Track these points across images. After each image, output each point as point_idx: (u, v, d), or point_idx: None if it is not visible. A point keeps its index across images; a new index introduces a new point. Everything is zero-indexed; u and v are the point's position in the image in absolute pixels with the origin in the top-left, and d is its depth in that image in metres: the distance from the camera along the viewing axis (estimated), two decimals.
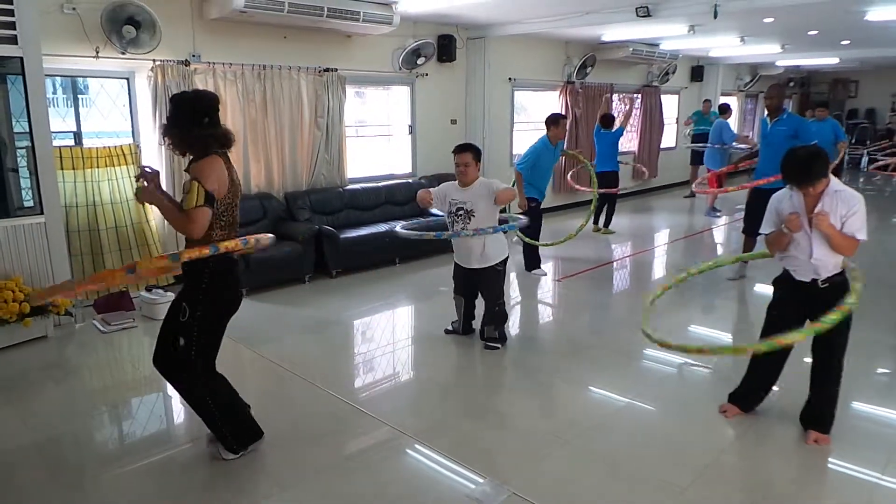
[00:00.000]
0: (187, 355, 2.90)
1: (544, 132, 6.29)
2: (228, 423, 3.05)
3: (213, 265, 2.85)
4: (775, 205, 3.19)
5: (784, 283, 3.25)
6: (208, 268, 2.84)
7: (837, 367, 3.18)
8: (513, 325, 5.03)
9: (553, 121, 6.21)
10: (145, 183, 2.90)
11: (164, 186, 3.50)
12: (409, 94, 8.08)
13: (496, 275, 4.44)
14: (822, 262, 3.04)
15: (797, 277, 3.15)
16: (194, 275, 2.86)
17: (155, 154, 5.71)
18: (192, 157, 2.87)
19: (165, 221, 3.10)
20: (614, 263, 7.34)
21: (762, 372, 3.44)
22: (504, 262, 4.48)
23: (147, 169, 2.95)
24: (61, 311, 4.73)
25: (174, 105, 2.88)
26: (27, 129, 4.59)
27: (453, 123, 8.65)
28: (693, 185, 8.91)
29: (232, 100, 6.13)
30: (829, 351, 3.17)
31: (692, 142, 11.21)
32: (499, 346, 4.51)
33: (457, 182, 4.46)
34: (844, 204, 2.96)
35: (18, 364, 4.33)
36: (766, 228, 3.23)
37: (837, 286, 3.08)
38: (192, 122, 2.82)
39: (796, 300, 3.19)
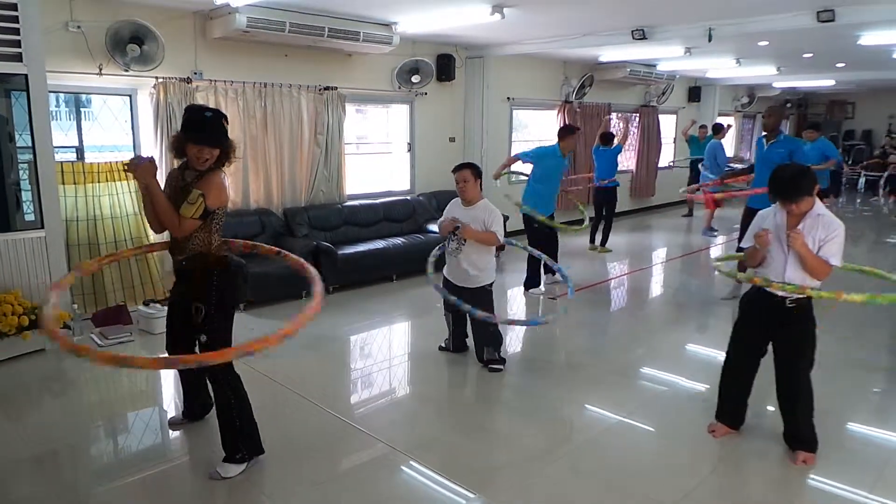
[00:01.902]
0: (211, 349, 3.05)
1: (555, 142, 6.44)
2: (244, 425, 3.13)
3: (219, 263, 3.07)
4: (759, 221, 3.27)
5: (752, 299, 3.31)
6: (212, 264, 3.04)
7: (806, 384, 3.22)
8: (508, 343, 5.05)
9: (570, 131, 6.35)
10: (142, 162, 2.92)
11: None
12: (408, 112, 8.18)
13: (486, 295, 4.48)
14: (791, 282, 3.09)
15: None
16: (201, 274, 3.04)
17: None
18: (202, 168, 2.98)
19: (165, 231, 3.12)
20: (611, 282, 7.38)
21: (732, 387, 3.49)
22: (492, 284, 4.53)
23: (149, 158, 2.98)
24: (59, 324, 4.76)
25: (223, 119, 3.01)
26: (30, 144, 4.66)
27: (452, 141, 8.75)
28: (685, 191, 8.89)
29: (232, 117, 6.21)
30: (796, 369, 3.22)
31: (690, 165, 11.31)
32: (501, 367, 4.51)
33: (460, 200, 4.50)
34: (824, 228, 3.02)
35: (16, 377, 4.36)
36: (746, 243, 3.31)
37: (803, 307, 3.15)
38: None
39: (762, 317, 3.25)
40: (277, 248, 3.60)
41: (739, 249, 5.90)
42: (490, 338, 4.51)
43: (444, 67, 8.15)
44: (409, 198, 8.02)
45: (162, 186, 3.04)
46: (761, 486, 3.16)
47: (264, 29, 5.68)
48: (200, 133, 2.95)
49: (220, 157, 3.01)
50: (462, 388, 4.43)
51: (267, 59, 6.46)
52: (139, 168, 2.90)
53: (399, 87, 7.75)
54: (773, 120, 5.80)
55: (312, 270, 3.13)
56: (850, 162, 15.70)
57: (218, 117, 3.01)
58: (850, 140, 17.06)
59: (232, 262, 3.21)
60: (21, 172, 4.78)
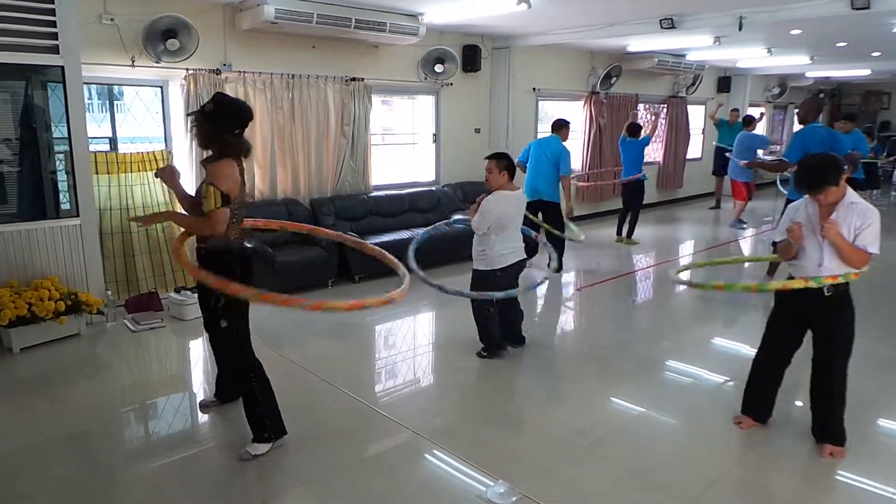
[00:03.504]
0: (231, 333, 3.18)
1: (556, 135, 6.78)
2: (268, 405, 3.23)
3: (237, 253, 3.15)
4: (791, 214, 3.23)
5: (788, 290, 3.27)
6: (231, 252, 3.11)
7: (840, 377, 3.18)
8: (533, 333, 5.07)
9: (565, 124, 6.84)
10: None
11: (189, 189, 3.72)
12: (434, 103, 8.19)
13: (473, 280, 4.52)
14: (830, 273, 3.04)
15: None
16: (220, 261, 3.10)
17: (186, 159, 5.88)
18: (208, 153, 3.10)
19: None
20: (637, 274, 7.34)
21: (762, 379, 3.46)
22: (480, 272, 4.47)
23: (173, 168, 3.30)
24: (94, 310, 4.89)
25: (221, 106, 3.06)
26: (66, 135, 4.78)
27: (477, 132, 8.74)
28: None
29: (261, 108, 6.29)
30: (830, 361, 3.18)
31: (715, 153, 11.15)
32: (485, 355, 4.56)
33: None
34: (859, 216, 2.97)
35: (53, 360, 4.50)
36: (779, 236, 3.26)
37: (840, 296, 3.10)
38: (229, 127, 3.05)
39: (798, 308, 3.20)
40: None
41: (774, 244, 5.83)
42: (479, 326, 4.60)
43: (470, 58, 8.14)
44: (434, 189, 8.05)
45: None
46: (786, 478, 3.13)
47: (292, 20, 5.73)
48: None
49: (217, 144, 3.05)
50: (486, 377, 4.45)
51: (294, 50, 6.52)
52: (163, 173, 3.23)
53: (425, 78, 7.76)
54: (804, 112, 5.76)
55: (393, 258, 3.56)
56: (885, 154, 15.30)
57: (218, 101, 3.09)
58: (886, 131, 16.62)
59: (249, 252, 3.27)
60: (57, 162, 4.91)
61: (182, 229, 3.32)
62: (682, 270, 3.71)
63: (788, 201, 5.67)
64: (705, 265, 4.19)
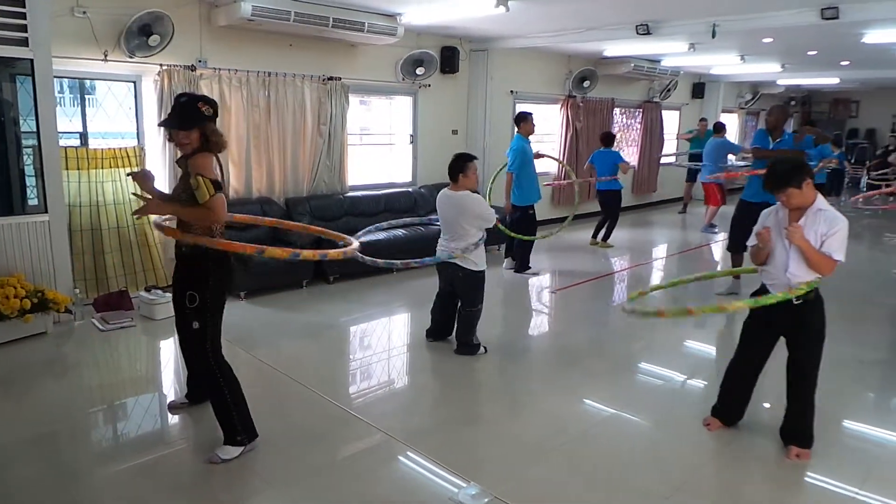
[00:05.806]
0: (202, 335, 3.13)
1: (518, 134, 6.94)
2: (238, 408, 3.19)
3: (214, 253, 3.08)
4: (762, 220, 3.29)
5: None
6: (210, 256, 3.07)
7: (811, 382, 3.25)
8: (508, 334, 5.10)
9: (523, 118, 6.92)
10: (146, 193, 3.15)
11: (164, 187, 3.66)
12: (411, 104, 8.18)
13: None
14: (796, 278, 3.10)
15: (773, 292, 3.22)
16: (198, 263, 3.08)
17: (158, 156, 5.80)
18: (185, 152, 3.07)
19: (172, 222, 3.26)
20: (612, 276, 7.41)
21: (735, 385, 3.51)
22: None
23: (147, 171, 3.22)
24: (61, 308, 4.79)
25: (199, 102, 3.06)
26: (34, 129, 4.68)
27: (454, 134, 8.75)
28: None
29: (236, 105, 6.23)
30: (802, 366, 3.24)
31: (689, 161, 11.36)
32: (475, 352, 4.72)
33: None
34: (826, 223, 3.03)
35: (18, 359, 4.40)
36: (752, 241, 3.32)
37: (811, 303, 3.15)
38: (214, 123, 3.09)
39: (770, 316, 3.26)
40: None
41: (738, 247, 5.92)
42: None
43: (448, 60, 8.15)
44: (410, 190, 8.04)
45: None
46: (754, 479, 3.19)
47: (269, 18, 5.68)
48: (171, 117, 3.09)
49: (202, 140, 3.04)
50: (459, 378, 4.46)
51: (271, 48, 6.46)
52: (137, 176, 3.16)
53: (403, 79, 7.75)
54: (774, 118, 5.85)
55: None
56: (853, 161, 15.66)
57: (192, 101, 3.07)
58: (854, 139, 17.03)
59: (224, 255, 3.22)
60: (25, 157, 4.80)
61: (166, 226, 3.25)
62: (637, 297, 3.81)
63: (743, 202, 5.82)
64: (669, 286, 4.41)
